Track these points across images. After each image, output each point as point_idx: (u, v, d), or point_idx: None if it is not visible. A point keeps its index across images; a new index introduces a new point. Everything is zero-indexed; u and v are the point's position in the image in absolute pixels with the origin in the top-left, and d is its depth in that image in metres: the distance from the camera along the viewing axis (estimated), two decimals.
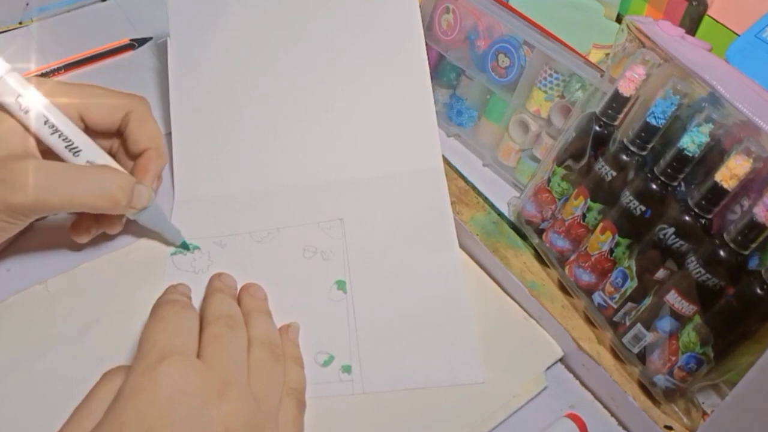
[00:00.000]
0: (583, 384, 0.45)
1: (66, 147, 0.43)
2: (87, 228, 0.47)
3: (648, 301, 0.42)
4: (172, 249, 0.49)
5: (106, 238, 0.49)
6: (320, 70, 0.53)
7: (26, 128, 0.42)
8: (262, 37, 0.54)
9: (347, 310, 0.46)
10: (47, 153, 0.44)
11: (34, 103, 0.41)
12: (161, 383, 0.33)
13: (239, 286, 0.44)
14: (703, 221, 0.39)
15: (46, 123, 0.42)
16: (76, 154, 0.43)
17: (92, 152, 0.44)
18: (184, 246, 0.49)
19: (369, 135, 0.52)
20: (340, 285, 0.47)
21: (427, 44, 0.58)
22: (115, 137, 0.49)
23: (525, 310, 0.47)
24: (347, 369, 0.43)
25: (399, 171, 0.51)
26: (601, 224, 0.44)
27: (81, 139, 0.44)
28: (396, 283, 0.47)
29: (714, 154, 0.39)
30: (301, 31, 0.54)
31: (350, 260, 0.48)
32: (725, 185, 0.37)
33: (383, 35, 0.53)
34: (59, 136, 0.42)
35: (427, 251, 0.48)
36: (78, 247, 0.48)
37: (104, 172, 0.44)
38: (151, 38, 0.65)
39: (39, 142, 0.43)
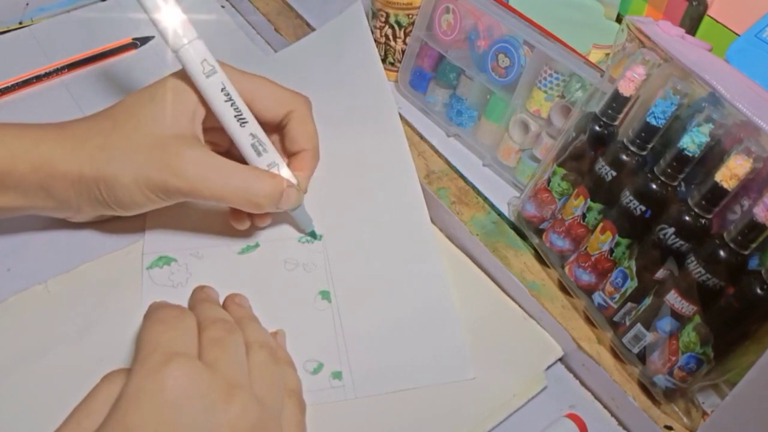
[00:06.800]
0: (583, 384, 0.45)
1: (235, 116, 0.44)
2: (247, 216, 0.48)
3: (648, 301, 0.42)
4: (147, 263, 0.47)
5: (108, 237, 0.49)
6: None
7: (200, 95, 0.44)
8: None
9: (333, 318, 0.46)
10: (207, 132, 0.46)
11: (216, 69, 0.44)
12: (167, 386, 0.32)
13: (221, 299, 0.43)
14: (703, 221, 0.39)
15: (222, 90, 0.44)
16: (243, 124, 0.45)
17: (257, 129, 0.45)
18: (312, 235, 0.49)
19: (342, 154, 0.53)
20: (325, 295, 0.47)
21: (427, 44, 0.58)
22: (274, 132, 0.49)
23: (525, 310, 0.47)
24: (338, 375, 0.43)
25: (373, 182, 0.52)
26: (601, 224, 0.44)
27: (249, 114, 0.45)
28: (381, 288, 0.47)
29: (714, 154, 0.39)
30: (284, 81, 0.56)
31: (333, 272, 0.48)
32: (725, 185, 0.37)
33: (346, 68, 0.58)
34: (231, 105, 0.44)
35: (408, 254, 0.49)
36: (78, 247, 0.48)
37: (256, 178, 0.45)
38: (153, 37, 0.64)
39: (206, 119, 0.45)
